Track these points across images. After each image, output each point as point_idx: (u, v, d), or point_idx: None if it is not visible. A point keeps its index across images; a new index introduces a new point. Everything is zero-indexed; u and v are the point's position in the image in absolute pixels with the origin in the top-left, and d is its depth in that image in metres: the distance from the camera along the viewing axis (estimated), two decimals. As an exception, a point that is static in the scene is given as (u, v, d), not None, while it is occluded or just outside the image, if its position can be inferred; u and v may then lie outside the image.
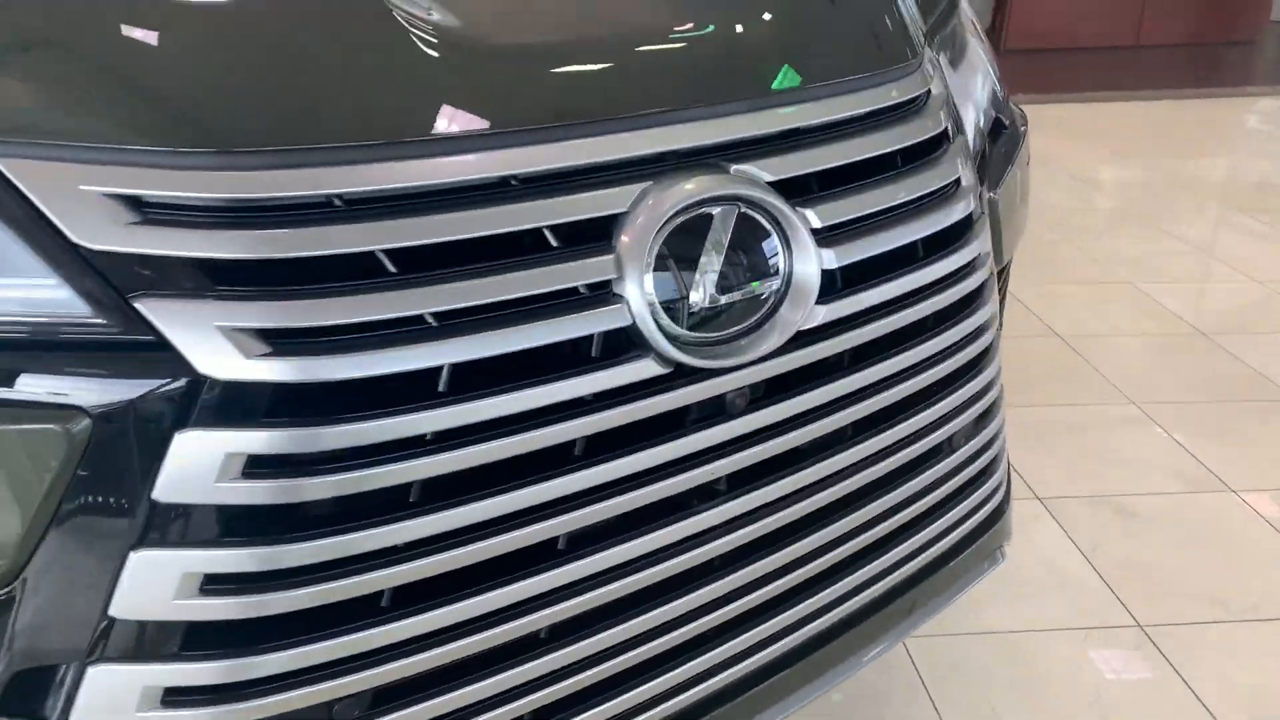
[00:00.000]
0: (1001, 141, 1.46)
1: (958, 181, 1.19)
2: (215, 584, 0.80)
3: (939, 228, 1.14)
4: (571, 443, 0.91)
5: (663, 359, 0.92)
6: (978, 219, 1.22)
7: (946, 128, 1.20)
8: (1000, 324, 1.59)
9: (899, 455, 1.17)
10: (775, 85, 1.03)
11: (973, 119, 1.37)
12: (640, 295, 0.90)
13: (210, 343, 0.76)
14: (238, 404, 0.78)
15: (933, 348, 1.16)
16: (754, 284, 0.98)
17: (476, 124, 0.87)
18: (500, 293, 0.85)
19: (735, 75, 1.02)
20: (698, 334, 0.95)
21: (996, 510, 1.42)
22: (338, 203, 0.81)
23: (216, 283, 0.78)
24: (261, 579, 0.80)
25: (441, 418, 0.83)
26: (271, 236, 0.78)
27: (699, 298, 0.94)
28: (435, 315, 0.83)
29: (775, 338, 0.99)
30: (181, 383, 0.76)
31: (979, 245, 1.21)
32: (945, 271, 1.15)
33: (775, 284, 0.99)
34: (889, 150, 1.10)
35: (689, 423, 0.97)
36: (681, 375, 0.95)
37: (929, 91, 1.19)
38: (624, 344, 0.92)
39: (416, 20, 0.89)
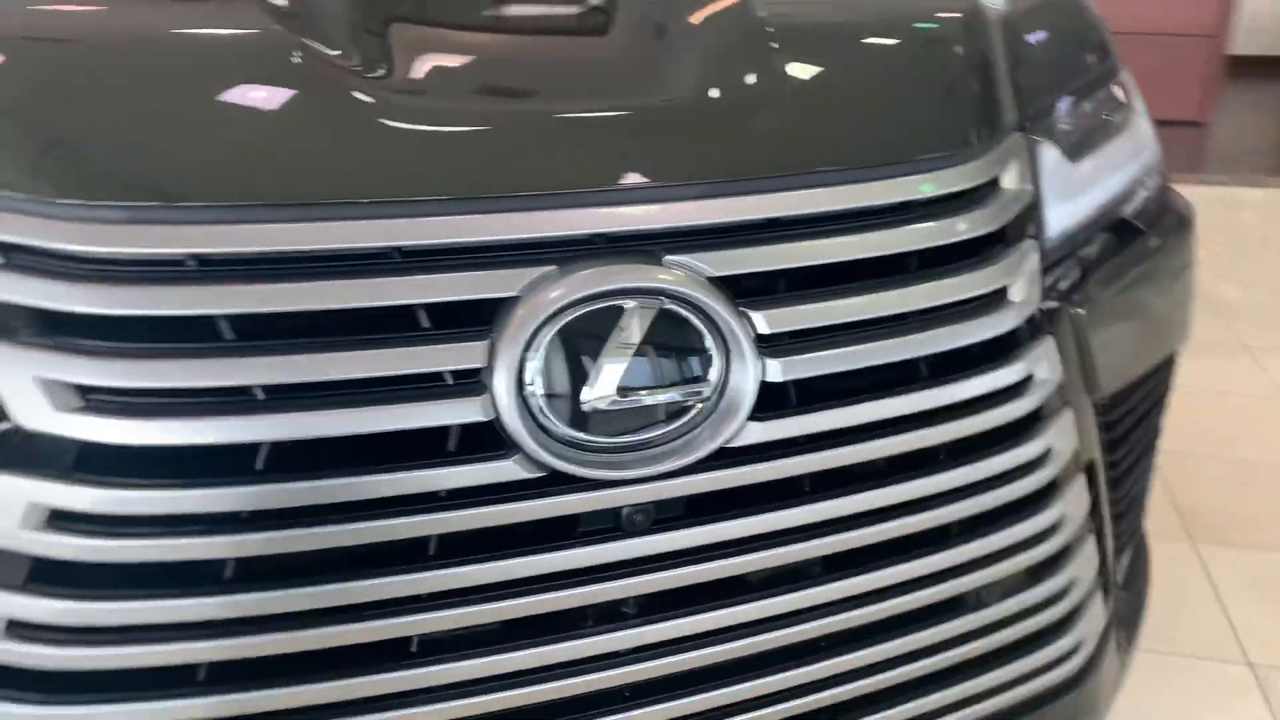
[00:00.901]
0: (1130, 250, 1.23)
1: (1001, 294, 1.00)
2: (21, 631, 0.80)
3: (953, 345, 0.97)
4: (424, 541, 0.84)
5: (531, 461, 0.84)
6: (1030, 339, 1.03)
7: (1004, 229, 1.02)
8: (1140, 459, 1.35)
9: (886, 604, 1.00)
10: (744, 168, 0.91)
11: (1076, 218, 1.16)
12: (508, 388, 0.82)
13: (25, 392, 0.76)
14: (47, 455, 0.78)
15: (940, 484, 0.99)
16: (670, 390, 0.87)
17: (359, 189, 0.82)
18: (343, 371, 0.80)
19: (694, 153, 0.91)
20: (584, 437, 0.85)
21: (1068, 681, 1.19)
22: (190, 263, 0.80)
23: (52, 333, 0.78)
24: (64, 633, 0.80)
25: (255, 496, 0.79)
26: (103, 292, 0.77)
27: (594, 398, 0.85)
28: (265, 389, 0.79)
29: (689, 452, 0.88)
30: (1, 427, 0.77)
31: (1027, 368, 1.02)
32: (963, 396, 0.98)
33: (703, 392, 0.87)
34: (893, 252, 0.95)
35: (575, 536, 0.88)
36: (559, 482, 0.85)
37: (990, 185, 1.02)
38: (493, 441, 0.84)
39: (303, 74, 0.86)
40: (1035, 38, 1.22)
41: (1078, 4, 1.38)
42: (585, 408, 0.85)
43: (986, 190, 1.02)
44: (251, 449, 0.80)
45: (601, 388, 0.85)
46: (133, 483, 0.78)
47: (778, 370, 0.89)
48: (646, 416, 0.87)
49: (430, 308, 0.83)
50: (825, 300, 0.91)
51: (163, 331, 0.79)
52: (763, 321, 0.88)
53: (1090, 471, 1.17)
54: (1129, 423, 1.30)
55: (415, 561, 0.84)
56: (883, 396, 0.93)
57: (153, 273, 0.79)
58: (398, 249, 0.82)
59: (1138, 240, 1.24)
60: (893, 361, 0.94)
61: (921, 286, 0.96)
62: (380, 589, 0.83)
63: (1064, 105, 1.21)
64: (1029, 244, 1.05)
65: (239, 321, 0.80)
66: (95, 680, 0.82)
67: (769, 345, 0.89)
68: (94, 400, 0.78)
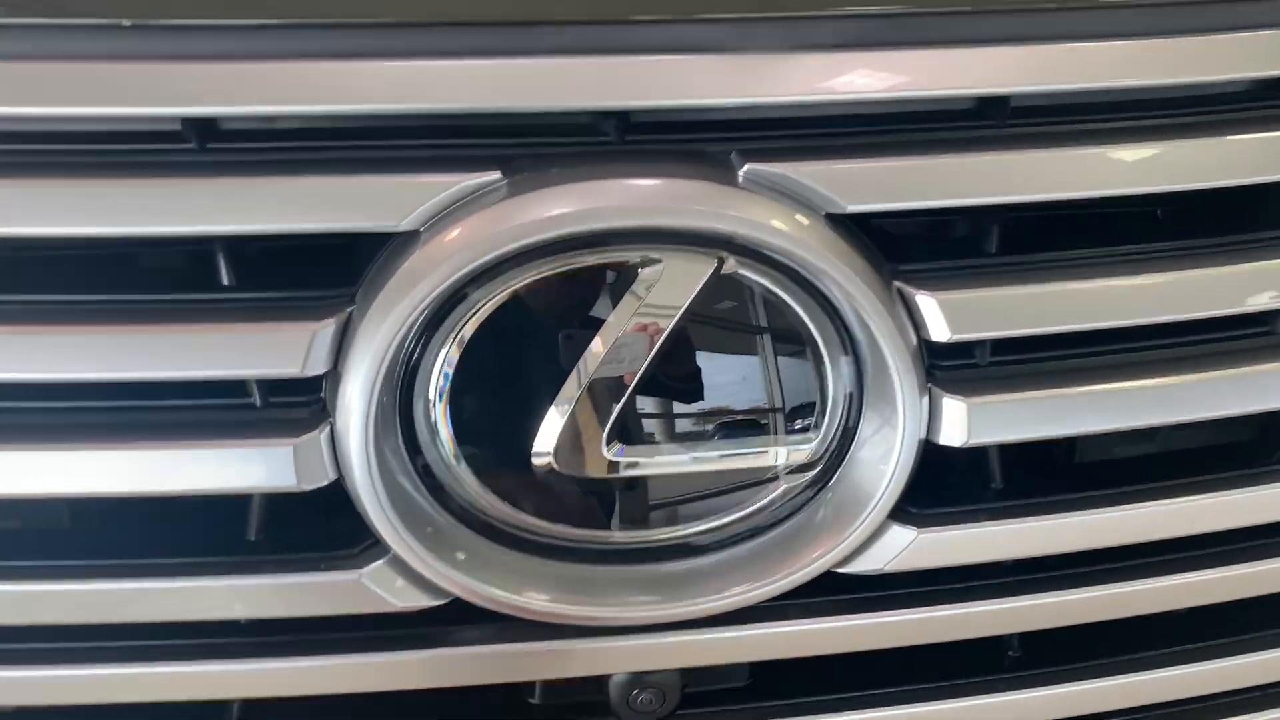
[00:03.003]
0: None
1: None
2: None
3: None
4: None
5: (407, 576, 0.40)
6: None
7: None
8: None
9: None
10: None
11: None
12: (363, 415, 0.39)
13: None
14: None
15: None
16: (726, 445, 0.42)
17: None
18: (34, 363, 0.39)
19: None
20: (536, 525, 0.42)
21: None
22: None
23: None
24: None
25: None
26: None
27: (559, 449, 0.41)
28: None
29: (757, 576, 0.42)
30: None
31: None
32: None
33: (798, 454, 0.42)
34: (1240, 182, 0.45)
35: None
36: (472, 620, 0.42)
37: None
38: (344, 525, 0.41)
39: None
40: None
41: None
42: (539, 464, 0.41)
43: None
44: None
45: (577, 427, 0.40)
46: None
47: (961, 422, 0.41)
48: (669, 495, 0.42)
49: (236, 249, 0.40)
50: (1088, 276, 0.42)
51: None
52: (939, 316, 0.41)
53: None
54: None
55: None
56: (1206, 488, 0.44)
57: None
58: (194, 121, 0.40)
59: None
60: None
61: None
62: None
63: None
64: None
65: None
66: None
67: (948, 367, 0.42)
68: None
